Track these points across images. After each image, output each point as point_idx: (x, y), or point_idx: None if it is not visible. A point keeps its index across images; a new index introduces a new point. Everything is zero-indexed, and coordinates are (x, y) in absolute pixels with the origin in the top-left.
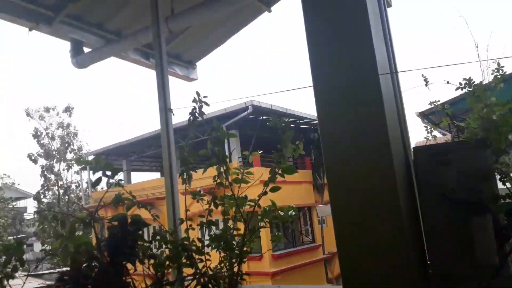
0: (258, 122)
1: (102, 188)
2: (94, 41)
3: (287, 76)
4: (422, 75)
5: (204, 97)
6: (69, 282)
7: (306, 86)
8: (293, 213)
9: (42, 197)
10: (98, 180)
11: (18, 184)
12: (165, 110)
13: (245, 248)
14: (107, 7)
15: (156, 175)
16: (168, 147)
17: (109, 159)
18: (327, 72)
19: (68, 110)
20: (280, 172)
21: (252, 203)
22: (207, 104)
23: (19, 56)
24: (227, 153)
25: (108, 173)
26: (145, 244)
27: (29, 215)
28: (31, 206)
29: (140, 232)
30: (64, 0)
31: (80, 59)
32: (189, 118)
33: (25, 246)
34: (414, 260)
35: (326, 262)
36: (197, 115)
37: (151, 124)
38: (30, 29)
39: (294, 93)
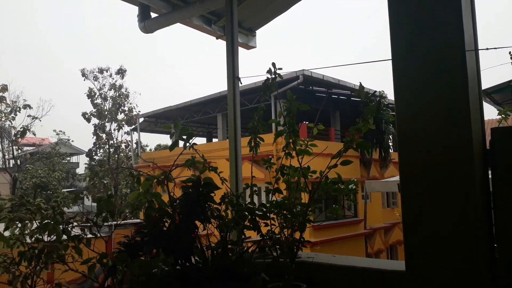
0: (308, 92)
1: (150, 150)
2: (160, 6)
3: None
4: (510, 53)
5: (279, 69)
6: (146, 235)
7: (384, 59)
8: (354, 187)
9: (93, 154)
10: (175, 143)
11: (72, 141)
12: (233, 78)
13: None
14: None
15: (203, 140)
16: (234, 114)
17: (159, 123)
18: (408, 44)
19: (120, 72)
20: (354, 146)
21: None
22: (281, 77)
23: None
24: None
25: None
26: (214, 205)
27: (81, 170)
28: (83, 162)
29: (212, 194)
30: None
31: (147, 24)
32: (263, 88)
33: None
34: (481, 249)
35: (366, 237)
36: (269, 86)
37: (201, 90)
38: None
39: (346, 65)
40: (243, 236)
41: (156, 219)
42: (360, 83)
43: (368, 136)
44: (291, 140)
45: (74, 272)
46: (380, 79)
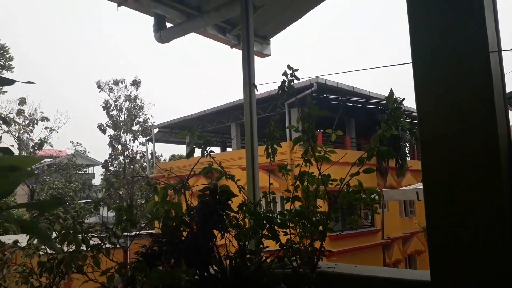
0: (322, 100)
1: (165, 160)
2: (176, 16)
3: (351, 55)
4: None
5: (295, 70)
6: (165, 244)
7: (403, 63)
8: (376, 196)
9: (109, 165)
10: (192, 151)
11: (88, 152)
12: (249, 85)
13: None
14: None
15: (217, 149)
16: (250, 121)
17: (173, 133)
18: (430, 45)
19: (135, 83)
20: (375, 154)
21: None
22: (297, 78)
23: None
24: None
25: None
26: (231, 214)
27: (97, 181)
28: (99, 173)
29: (229, 202)
30: None
31: (163, 34)
32: (278, 91)
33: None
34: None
35: (384, 247)
36: (286, 89)
37: (213, 100)
38: (118, 5)
39: (360, 72)
40: (261, 246)
41: (174, 228)
42: (391, 89)
43: (385, 143)
44: (310, 147)
45: (93, 283)
46: (395, 85)
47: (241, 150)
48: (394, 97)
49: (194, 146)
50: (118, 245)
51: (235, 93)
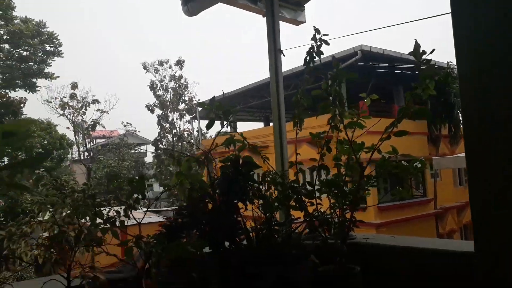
0: (367, 69)
1: (210, 137)
2: None
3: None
4: None
5: (324, 34)
6: (187, 216)
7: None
8: (419, 165)
9: (159, 143)
10: (211, 122)
11: (139, 131)
12: (275, 51)
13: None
14: None
15: (260, 124)
16: (276, 89)
17: (234, 114)
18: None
19: (179, 63)
20: (410, 114)
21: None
22: (327, 43)
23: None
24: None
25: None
26: (255, 185)
27: (149, 159)
28: (150, 151)
29: (251, 173)
30: None
31: (190, 6)
32: (306, 58)
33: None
34: None
35: (437, 217)
36: (314, 55)
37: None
38: None
39: (409, 38)
40: (290, 217)
41: (197, 200)
42: (416, 41)
43: (437, 110)
44: (337, 112)
45: (112, 258)
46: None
47: (295, 128)
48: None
49: (214, 117)
50: (132, 217)
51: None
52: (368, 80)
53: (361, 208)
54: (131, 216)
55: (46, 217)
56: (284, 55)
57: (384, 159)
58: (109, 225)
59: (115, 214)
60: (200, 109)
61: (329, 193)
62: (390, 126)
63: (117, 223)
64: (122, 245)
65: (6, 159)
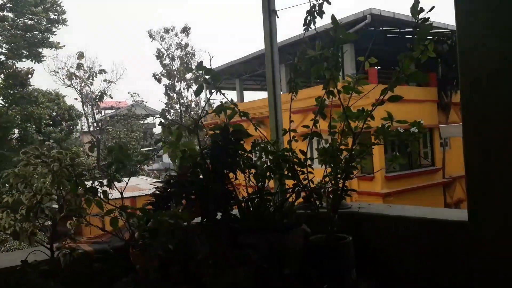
0: (377, 33)
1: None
2: None
3: None
4: None
5: None
6: (175, 186)
7: None
8: (416, 130)
9: (166, 114)
10: (200, 88)
11: (146, 102)
12: (269, 12)
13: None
14: None
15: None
16: (271, 52)
17: (223, 78)
18: None
19: (185, 30)
20: (403, 76)
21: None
22: (328, 2)
23: None
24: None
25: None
26: (246, 154)
27: (157, 130)
28: (157, 116)
29: (242, 141)
30: None
31: None
32: (306, 17)
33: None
34: None
35: (445, 187)
36: (316, 14)
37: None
38: None
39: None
40: (284, 187)
41: (186, 170)
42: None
43: (448, 77)
44: (329, 77)
45: (97, 231)
46: None
47: (289, 94)
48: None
49: (202, 83)
50: (113, 188)
51: (285, 34)
52: (380, 47)
53: (368, 177)
54: (113, 186)
55: (22, 188)
56: (278, 17)
57: (381, 126)
58: (91, 195)
59: (97, 184)
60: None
61: (324, 162)
62: (384, 92)
63: (100, 194)
64: (105, 215)
65: (16, 130)
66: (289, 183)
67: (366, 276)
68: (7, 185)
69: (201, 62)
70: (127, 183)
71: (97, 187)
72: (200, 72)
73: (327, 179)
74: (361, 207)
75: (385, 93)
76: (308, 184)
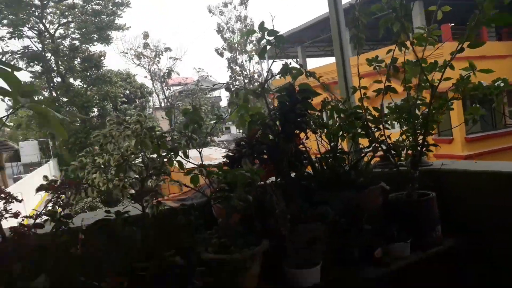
0: None
1: (280, 77)
2: None
3: None
4: None
5: None
6: (245, 147)
7: None
8: (502, 84)
9: (230, 86)
10: (264, 49)
11: (211, 76)
12: None
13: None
14: None
15: (332, 59)
16: (335, 10)
17: (284, 47)
18: None
19: (243, 2)
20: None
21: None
22: None
23: None
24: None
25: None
26: (315, 113)
27: (224, 103)
28: (224, 95)
29: (310, 100)
30: None
31: None
32: None
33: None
34: None
35: None
36: None
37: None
38: None
39: None
40: (358, 146)
41: (255, 131)
42: None
43: None
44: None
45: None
46: None
47: (355, 57)
48: None
49: (265, 44)
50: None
51: None
52: (453, 0)
53: (446, 139)
54: (190, 146)
55: (111, 149)
56: None
57: (461, 79)
58: (173, 155)
59: (176, 145)
60: (269, 48)
61: (399, 119)
62: (462, 39)
63: (180, 154)
64: (187, 174)
65: (95, 109)
66: (363, 142)
67: (451, 232)
68: (96, 147)
69: (263, 22)
70: (201, 152)
71: (176, 147)
72: (262, 33)
73: (404, 136)
74: (444, 164)
75: (464, 40)
76: (385, 141)
